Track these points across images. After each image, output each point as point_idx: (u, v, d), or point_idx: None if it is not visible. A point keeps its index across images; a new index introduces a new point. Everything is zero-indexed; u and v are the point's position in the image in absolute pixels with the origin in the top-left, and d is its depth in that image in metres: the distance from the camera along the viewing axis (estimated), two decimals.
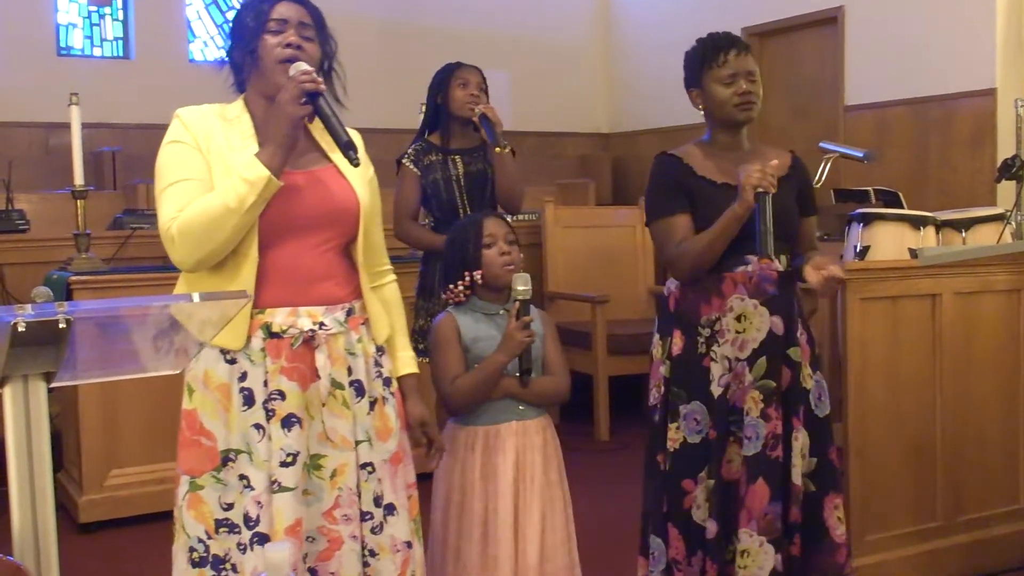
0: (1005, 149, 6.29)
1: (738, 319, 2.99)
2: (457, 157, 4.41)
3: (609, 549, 4.03)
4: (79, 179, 4.58)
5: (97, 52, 8.52)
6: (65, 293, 4.30)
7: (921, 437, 3.78)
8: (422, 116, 4.67)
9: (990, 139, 6.62)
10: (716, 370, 3.00)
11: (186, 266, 2.35)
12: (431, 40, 8.48)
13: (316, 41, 2.40)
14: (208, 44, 8.95)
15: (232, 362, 2.34)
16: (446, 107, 4.43)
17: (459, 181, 4.37)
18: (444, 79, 4.45)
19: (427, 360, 4.42)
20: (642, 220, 6.80)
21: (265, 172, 2.23)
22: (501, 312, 2.94)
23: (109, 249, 5.29)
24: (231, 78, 2.50)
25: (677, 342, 3.06)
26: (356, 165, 2.31)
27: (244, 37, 2.39)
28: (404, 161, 4.43)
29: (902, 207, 5.08)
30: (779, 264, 2.98)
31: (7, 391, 1.83)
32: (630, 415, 6.48)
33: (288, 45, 2.33)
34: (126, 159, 7.77)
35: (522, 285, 2.86)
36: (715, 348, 3.00)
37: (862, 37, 7.48)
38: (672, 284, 3.13)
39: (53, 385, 1.91)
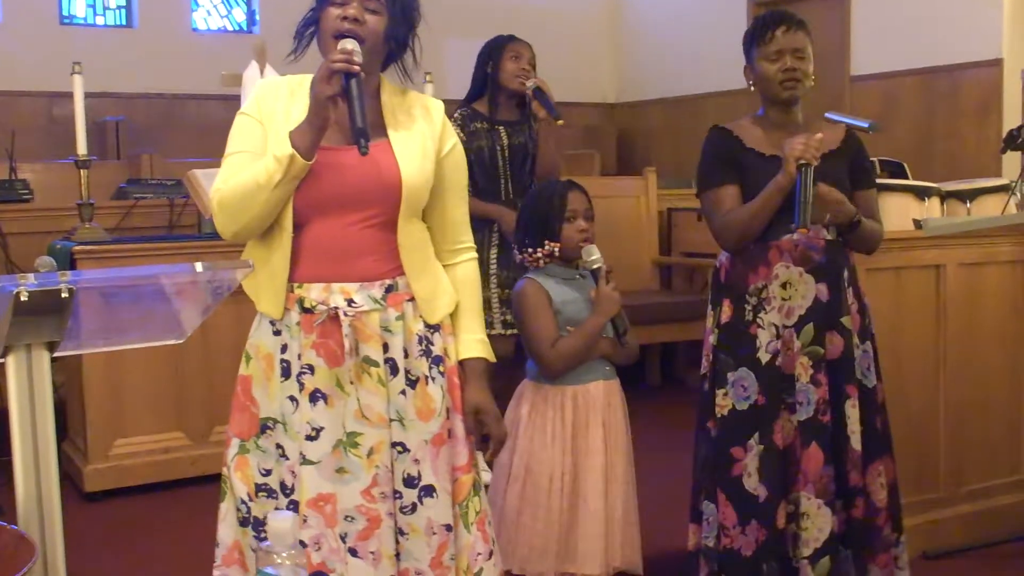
0: (1011, 120, 6.28)
1: (784, 286, 3.03)
2: (502, 128, 4.43)
3: None
4: (82, 149, 4.57)
5: (100, 21, 8.50)
6: (69, 263, 4.30)
7: (924, 407, 3.78)
8: (469, 85, 4.63)
9: (996, 110, 6.60)
10: (763, 337, 3.04)
11: (226, 236, 2.36)
12: (436, 10, 8.43)
13: (383, 14, 2.34)
14: (211, 13, 8.93)
15: (277, 333, 2.36)
16: (496, 78, 4.44)
17: (503, 152, 4.41)
18: (496, 50, 4.46)
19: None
20: (646, 191, 6.83)
21: (289, 150, 2.21)
22: (577, 276, 3.06)
23: (112, 219, 5.29)
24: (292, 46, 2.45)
25: (726, 311, 3.11)
26: (364, 153, 2.19)
27: (313, 9, 2.38)
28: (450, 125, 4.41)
29: (907, 178, 5.05)
30: (826, 233, 3.02)
31: (10, 360, 1.84)
32: (633, 387, 6.47)
33: (345, 18, 2.29)
34: (129, 128, 7.77)
35: (595, 255, 3.00)
36: (762, 315, 3.04)
37: (869, 7, 7.44)
38: (723, 256, 3.18)
39: (57, 354, 1.92)
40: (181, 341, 2.17)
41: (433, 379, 2.42)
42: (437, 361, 2.44)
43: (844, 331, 3.04)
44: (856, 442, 3.02)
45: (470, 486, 2.48)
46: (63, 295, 1.78)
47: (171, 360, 4.49)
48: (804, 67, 3.04)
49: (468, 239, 2.57)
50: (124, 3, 8.54)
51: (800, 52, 3.03)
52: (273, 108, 2.36)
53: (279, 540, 1.58)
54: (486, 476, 3.24)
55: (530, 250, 3.06)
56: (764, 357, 3.03)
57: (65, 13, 8.33)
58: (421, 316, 2.42)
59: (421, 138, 2.42)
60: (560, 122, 4.32)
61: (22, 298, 1.73)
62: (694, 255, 6.61)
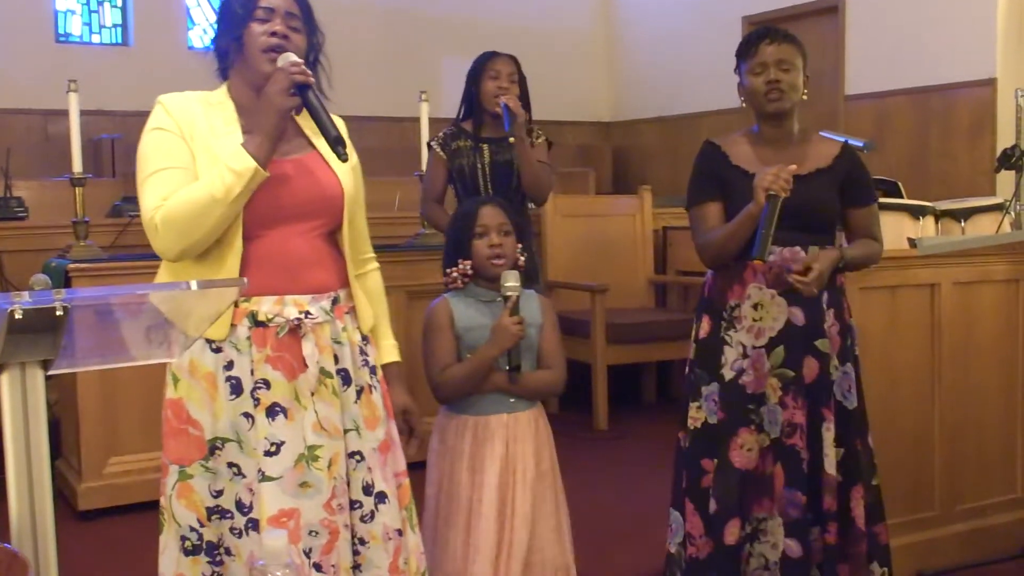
0: (1005, 139, 6.29)
1: (755, 307, 3.03)
2: (485, 145, 4.47)
3: (604, 537, 4.04)
4: (77, 166, 4.58)
5: (96, 39, 8.52)
6: (64, 281, 4.29)
7: (919, 426, 3.78)
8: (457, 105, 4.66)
9: (990, 129, 6.62)
10: (730, 354, 3.05)
11: (170, 255, 2.32)
12: (432, 28, 8.48)
13: (303, 32, 2.39)
14: (207, 31, 8.95)
15: (217, 351, 2.33)
16: (477, 98, 4.47)
17: (484, 169, 4.44)
18: (477, 70, 4.51)
19: None
20: (642, 209, 6.85)
21: (252, 163, 2.22)
22: (498, 299, 2.93)
23: (108, 237, 5.29)
24: (215, 65, 2.48)
25: (704, 326, 3.13)
26: (344, 160, 2.29)
27: (230, 24, 2.38)
28: (432, 144, 4.53)
29: (901, 197, 5.06)
30: (804, 255, 3.00)
31: (4, 379, 1.83)
32: (628, 404, 6.49)
33: (274, 34, 2.33)
34: (125, 146, 7.77)
35: (511, 282, 2.88)
36: (731, 333, 3.05)
37: (862, 27, 7.47)
38: (709, 271, 3.19)
39: (51, 373, 1.91)
40: (176, 359, 2.17)
41: (374, 388, 2.49)
42: (373, 371, 2.51)
43: (820, 355, 3.03)
44: (830, 466, 3.00)
45: (408, 489, 2.56)
46: (58, 313, 1.77)
47: (164, 378, 4.47)
48: (790, 79, 3.03)
49: (371, 250, 2.63)
50: (120, 21, 8.56)
51: (785, 64, 3.03)
52: (192, 123, 2.34)
53: (274, 558, 1.58)
54: None
55: (447, 271, 2.98)
56: (728, 374, 3.05)
57: (61, 31, 8.35)
58: (358, 327, 2.48)
59: None
60: (512, 139, 4.33)
61: (16, 316, 1.72)
62: (689, 273, 6.61)
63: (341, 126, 2.48)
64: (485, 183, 4.43)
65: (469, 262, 2.93)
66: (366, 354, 2.50)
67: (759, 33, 3.09)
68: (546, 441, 3.00)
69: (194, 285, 1.98)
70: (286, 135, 2.35)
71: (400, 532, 2.48)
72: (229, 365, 2.33)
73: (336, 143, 2.26)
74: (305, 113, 2.38)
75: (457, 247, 2.97)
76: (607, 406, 6.09)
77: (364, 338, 2.50)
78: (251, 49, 2.34)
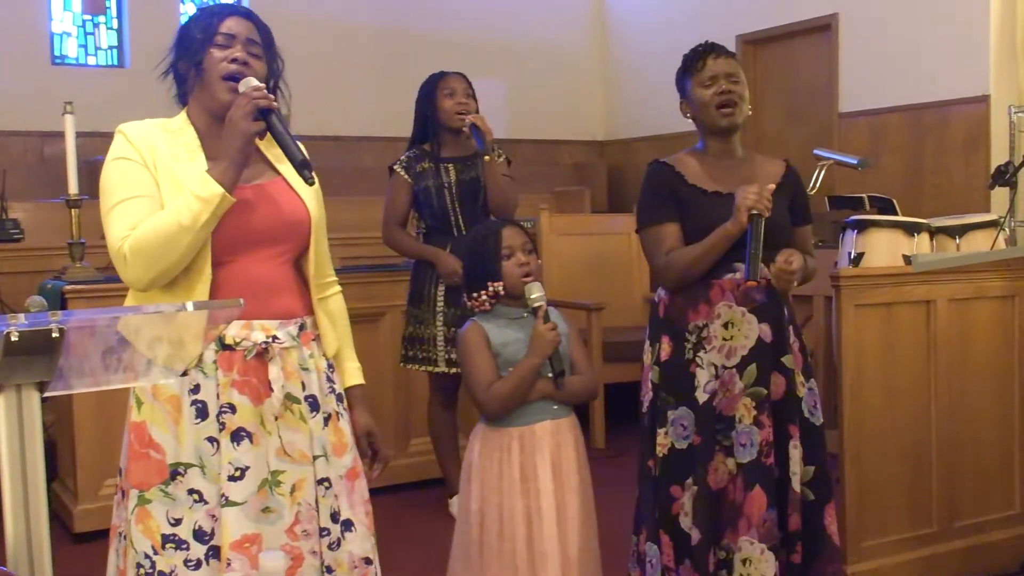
0: (999, 155, 6.31)
1: (725, 326, 3.00)
2: (450, 165, 4.48)
3: (604, 554, 4.02)
4: (73, 188, 4.58)
5: (91, 61, 8.53)
6: (60, 302, 4.29)
7: (916, 443, 3.78)
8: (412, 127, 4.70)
9: (984, 145, 6.64)
10: (702, 376, 3.01)
11: (140, 285, 2.30)
12: (426, 48, 8.49)
13: (263, 58, 2.39)
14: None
15: (183, 373, 2.28)
16: (435, 118, 4.49)
17: (451, 189, 4.45)
18: (430, 90, 4.54)
19: (415, 367, 4.49)
20: None
21: (219, 189, 2.20)
22: (525, 315, 2.97)
23: (103, 258, 5.25)
24: (173, 90, 2.47)
25: (665, 348, 3.09)
26: (311, 184, 2.27)
27: (190, 49, 2.37)
28: (395, 168, 4.52)
29: (896, 214, 5.08)
30: (768, 273, 2.98)
31: (0, 401, 1.83)
32: (626, 422, 6.47)
33: (234, 60, 2.32)
34: None
35: (536, 293, 2.93)
36: (701, 354, 3.02)
37: (856, 44, 7.49)
38: (662, 291, 3.16)
39: (47, 394, 1.91)
40: (173, 380, 2.16)
41: (341, 415, 2.48)
42: (340, 398, 2.50)
43: (785, 370, 3.02)
44: (797, 484, 2.99)
45: (373, 518, 2.53)
46: (54, 335, 1.77)
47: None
48: (739, 91, 3.06)
49: (333, 273, 2.61)
50: (116, 43, 8.57)
51: (734, 77, 3.06)
52: (155, 151, 2.32)
53: None
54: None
55: (475, 295, 3.00)
56: (701, 397, 3.01)
57: (57, 53, 8.36)
58: (324, 354, 2.47)
59: None
60: (488, 157, 4.36)
61: (12, 338, 1.73)
62: None
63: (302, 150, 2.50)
64: (453, 202, 4.46)
65: (500, 283, 2.96)
66: (332, 381, 2.49)
67: (704, 48, 3.14)
68: (583, 448, 3.03)
69: (190, 306, 1.98)
70: (248, 161, 2.32)
71: (368, 561, 2.46)
72: (195, 389, 2.31)
73: (302, 167, 2.25)
74: (269, 138, 2.37)
75: (484, 270, 2.98)
76: (604, 424, 6.08)
77: (330, 365, 2.49)
78: (211, 75, 2.34)
